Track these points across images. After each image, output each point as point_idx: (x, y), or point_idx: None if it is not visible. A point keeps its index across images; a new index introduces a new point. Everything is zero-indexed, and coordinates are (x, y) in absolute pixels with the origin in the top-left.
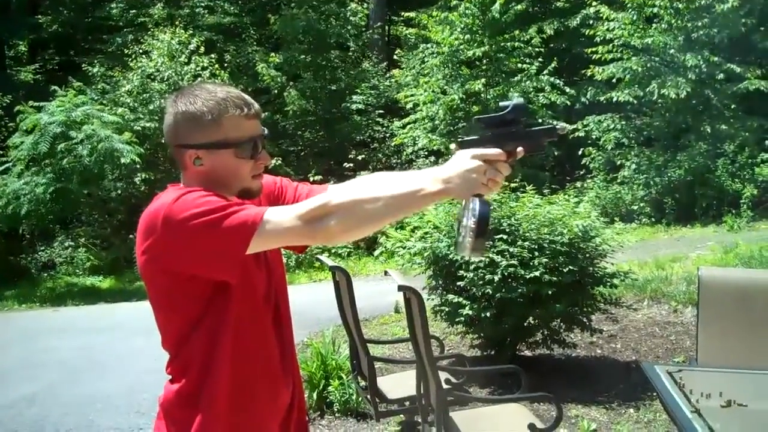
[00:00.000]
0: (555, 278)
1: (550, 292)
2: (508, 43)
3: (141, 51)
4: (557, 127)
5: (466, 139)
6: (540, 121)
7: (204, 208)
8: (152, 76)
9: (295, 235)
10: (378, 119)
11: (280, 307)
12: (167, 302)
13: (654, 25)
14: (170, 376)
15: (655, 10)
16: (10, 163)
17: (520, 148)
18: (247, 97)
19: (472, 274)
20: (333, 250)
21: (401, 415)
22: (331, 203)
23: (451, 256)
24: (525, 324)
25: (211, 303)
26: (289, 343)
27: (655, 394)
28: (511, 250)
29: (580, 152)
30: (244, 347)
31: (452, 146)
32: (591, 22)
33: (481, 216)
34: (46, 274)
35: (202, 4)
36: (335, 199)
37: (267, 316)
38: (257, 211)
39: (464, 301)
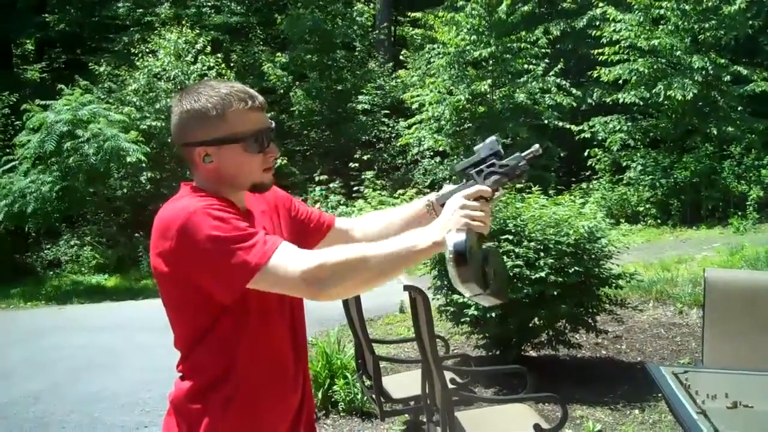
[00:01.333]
0: (560, 279)
1: (555, 293)
2: (515, 44)
3: (147, 50)
4: (531, 151)
5: (446, 191)
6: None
7: (216, 233)
8: (159, 76)
9: (295, 291)
10: (384, 119)
11: (295, 313)
12: (178, 306)
13: (661, 27)
14: (180, 374)
15: (662, 11)
16: (17, 162)
17: (499, 179)
18: (251, 90)
19: None
20: None
21: (406, 415)
22: (328, 263)
23: None
24: (530, 324)
25: (221, 311)
26: (303, 347)
27: (660, 395)
28: (516, 250)
29: (586, 153)
30: (257, 353)
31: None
32: (598, 23)
33: (455, 248)
34: (51, 272)
35: (209, 4)
36: (332, 258)
37: (282, 323)
38: (264, 252)
39: (469, 301)
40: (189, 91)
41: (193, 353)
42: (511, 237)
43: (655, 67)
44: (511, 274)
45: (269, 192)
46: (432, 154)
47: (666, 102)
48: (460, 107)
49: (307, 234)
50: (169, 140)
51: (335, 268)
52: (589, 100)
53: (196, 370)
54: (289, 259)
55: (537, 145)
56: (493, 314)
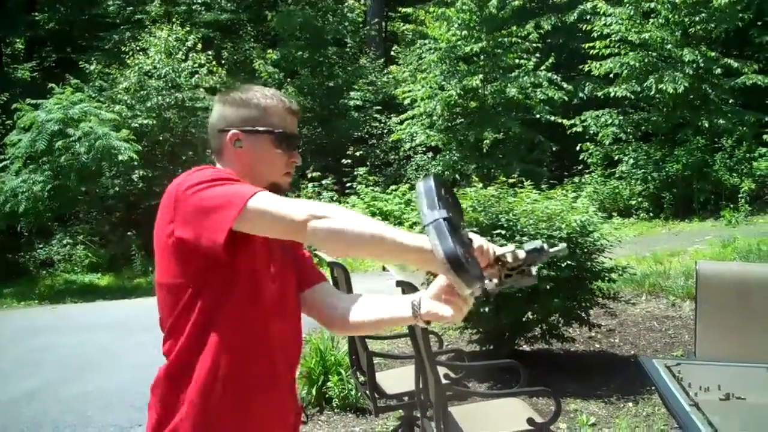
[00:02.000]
0: (553, 273)
1: (548, 287)
2: (506, 39)
3: (138, 48)
4: (557, 249)
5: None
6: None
7: (209, 177)
8: (149, 74)
9: (280, 220)
10: (376, 115)
11: (293, 311)
12: (168, 272)
13: (651, 20)
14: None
15: (653, 5)
16: (8, 161)
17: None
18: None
19: None
20: None
21: (400, 411)
22: (321, 204)
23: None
24: (523, 319)
25: (207, 285)
26: (296, 349)
27: (653, 388)
28: (509, 245)
29: (577, 147)
30: (239, 346)
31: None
32: (588, 17)
33: (425, 189)
34: (44, 272)
35: (199, 1)
36: (324, 204)
37: (273, 324)
38: (254, 189)
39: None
40: (236, 87)
41: (175, 329)
42: (503, 231)
43: (646, 60)
44: None
45: None
46: (424, 149)
47: (657, 95)
48: (452, 102)
49: (303, 274)
50: (161, 138)
51: (328, 210)
52: (581, 94)
53: (172, 348)
54: (282, 198)
55: (563, 245)
56: (486, 309)
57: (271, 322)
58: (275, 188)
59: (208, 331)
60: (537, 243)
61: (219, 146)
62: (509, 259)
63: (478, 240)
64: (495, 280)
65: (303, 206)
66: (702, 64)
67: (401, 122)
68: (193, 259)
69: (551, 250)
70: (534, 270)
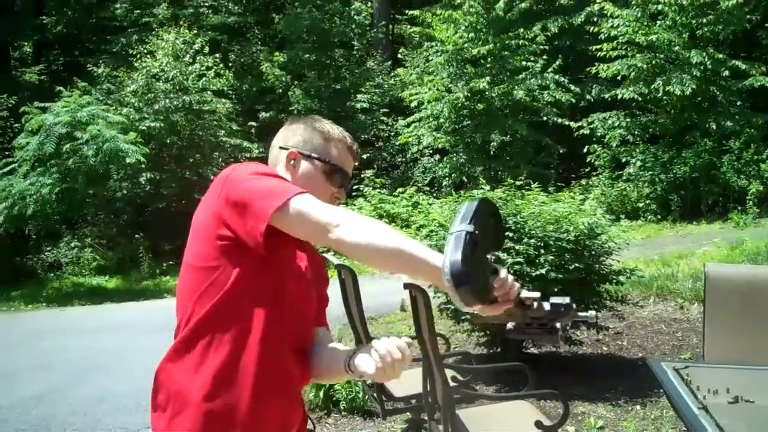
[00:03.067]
0: (561, 276)
1: (555, 290)
2: (513, 41)
3: (145, 51)
4: (584, 316)
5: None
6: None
7: (261, 170)
8: (157, 76)
9: (313, 225)
10: (383, 118)
11: (308, 333)
12: (204, 256)
13: (658, 22)
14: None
15: (660, 7)
16: (16, 164)
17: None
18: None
19: None
20: None
21: (407, 413)
22: (356, 214)
23: None
24: None
25: (240, 270)
26: (306, 363)
27: (661, 390)
28: (516, 247)
29: (585, 150)
30: (256, 337)
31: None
32: (595, 19)
33: (467, 205)
34: (52, 275)
35: (206, 4)
36: (370, 221)
37: (292, 327)
38: (299, 189)
39: None
40: (313, 118)
41: (198, 303)
42: (511, 234)
43: (653, 62)
44: (512, 271)
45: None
46: (431, 152)
47: (665, 97)
48: (459, 105)
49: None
50: (168, 140)
51: (360, 221)
52: (588, 97)
53: (183, 326)
54: (321, 203)
55: (593, 313)
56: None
57: (290, 325)
58: None
59: (228, 310)
60: (565, 299)
61: (275, 161)
62: (531, 304)
63: (503, 272)
64: (514, 324)
65: (337, 215)
66: (709, 66)
67: (408, 125)
68: (233, 243)
69: (580, 314)
70: (558, 327)
